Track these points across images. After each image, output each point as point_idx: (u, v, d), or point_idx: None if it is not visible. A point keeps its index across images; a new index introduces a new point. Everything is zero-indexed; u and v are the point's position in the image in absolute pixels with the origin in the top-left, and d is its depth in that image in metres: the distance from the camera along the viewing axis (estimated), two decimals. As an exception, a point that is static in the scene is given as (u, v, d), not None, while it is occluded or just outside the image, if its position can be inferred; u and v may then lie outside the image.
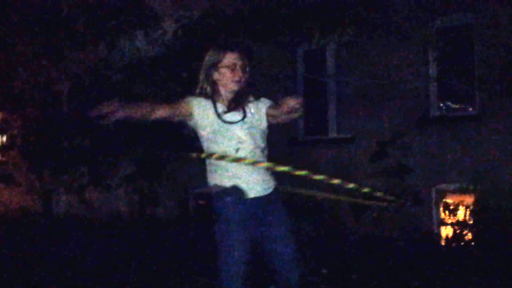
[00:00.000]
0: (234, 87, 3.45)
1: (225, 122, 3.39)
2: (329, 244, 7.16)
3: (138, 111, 3.36)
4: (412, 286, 5.72)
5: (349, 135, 9.18)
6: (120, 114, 3.19)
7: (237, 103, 3.45)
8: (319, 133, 9.55)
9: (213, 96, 3.46)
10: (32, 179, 10.59)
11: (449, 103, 8.66)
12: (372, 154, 7.98)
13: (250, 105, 3.48)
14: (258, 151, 3.44)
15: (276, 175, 3.51)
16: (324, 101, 9.49)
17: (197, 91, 3.49)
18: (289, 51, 9.34)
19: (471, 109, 8.55)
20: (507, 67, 7.81)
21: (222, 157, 3.37)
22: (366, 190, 3.69)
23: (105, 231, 8.75)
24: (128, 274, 6.62)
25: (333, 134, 9.45)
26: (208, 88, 3.46)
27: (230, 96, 3.48)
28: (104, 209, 10.16)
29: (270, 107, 3.48)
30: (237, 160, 3.36)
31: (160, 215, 9.55)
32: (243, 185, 3.38)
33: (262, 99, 3.54)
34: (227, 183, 3.39)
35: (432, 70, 8.55)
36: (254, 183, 3.40)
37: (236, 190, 3.37)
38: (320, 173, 3.56)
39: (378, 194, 3.76)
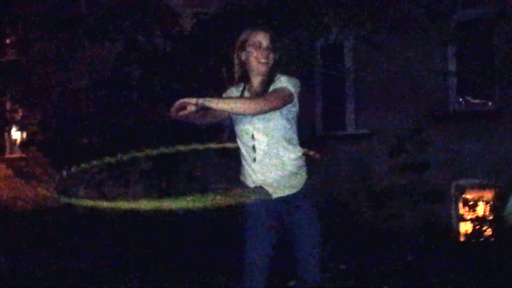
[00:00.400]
0: (260, 67, 3.39)
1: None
2: (347, 240, 7.13)
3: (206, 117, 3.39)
4: (431, 282, 5.68)
5: (367, 131, 9.13)
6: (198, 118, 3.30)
7: (264, 88, 3.37)
8: (337, 128, 9.52)
9: (243, 81, 3.46)
10: (53, 176, 10.67)
11: (469, 98, 8.58)
12: (390, 149, 7.94)
13: (271, 88, 3.39)
14: (278, 146, 3.35)
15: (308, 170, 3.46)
16: (342, 97, 9.45)
17: (235, 77, 3.49)
18: (306, 46, 9.31)
19: (490, 103, 8.46)
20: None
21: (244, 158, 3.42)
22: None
23: (123, 226, 8.79)
24: (144, 268, 6.66)
25: (351, 130, 9.41)
26: (238, 72, 3.46)
27: (257, 80, 3.43)
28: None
29: (273, 89, 3.38)
30: (251, 170, 3.39)
31: (179, 211, 9.56)
32: (268, 188, 3.36)
33: (281, 78, 3.40)
34: (252, 183, 3.39)
35: (451, 65, 8.47)
36: (277, 184, 3.36)
37: (260, 190, 3.37)
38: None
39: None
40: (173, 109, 3.19)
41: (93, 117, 9.76)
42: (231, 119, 3.49)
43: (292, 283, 5.32)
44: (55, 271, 6.76)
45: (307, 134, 9.37)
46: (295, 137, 3.43)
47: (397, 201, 8.05)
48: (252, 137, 3.37)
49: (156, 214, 9.39)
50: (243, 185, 3.44)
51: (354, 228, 7.93)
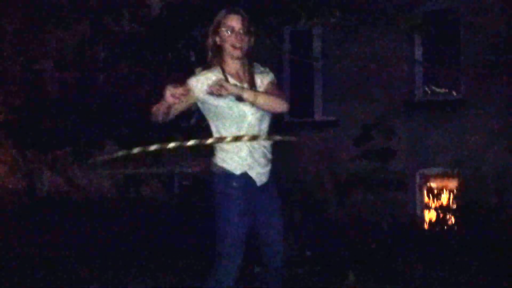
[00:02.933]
0: (233, 51, 3.33)
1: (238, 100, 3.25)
2: (313, 227, 7.18)
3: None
4: (396, 269, 5.76)
5: (334, 118, 9.18)
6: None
7: (250, 74, 3.34)
8: (305, 115, 9.54)
9: (219, 64, 3.36)
10: (15, 158, 10.50)
11: (434, 87, 8.69)
12: (356, 137, 7.99)
13: (257, 77, 3.39)
14: (263, 136, 3.36)
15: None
16: (310, 83, 9.47)
17: (208, 59, 3.41)
18: (275, 33, 9.29)
19: (456, 93, 8.58)
20: (492, 52, 7.84)
21: (236, 139, 3.26)
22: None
23: (89, 210, 8.71)
24: (110, 253, 6.61)
25: (318, 117, 9.44)
26: (213, 55, 3.37)
27: (235, 66, 3.38)
28: (88, 189, 10.10)
29: (271, 82, 3.41)
30: (253, 138, 3.27)
31: (145, 196, 9.51)
32: (252, 174, 3.33)
33: (267, 70, 3.44)
34: (237, 169, 3.32)
35: (418, 54, 8.56)
36: (261, 171, 3.36)
37: (244, 179, 3.32)
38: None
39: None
40: (179, 92, 3.06)
41: (58, 100, 9.60)
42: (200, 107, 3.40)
43: (257, 269, 5.35)
44: (14, 254, 6.67)
45: (274, 120, 9.37)
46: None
47: (362, 189, 8.12)
48: (247, 124, 3.32)
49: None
50: (221, 171, 3.35)
51: (319, 215, 7.98)
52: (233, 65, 3.39)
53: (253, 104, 3.25)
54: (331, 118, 9.23)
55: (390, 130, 7.97)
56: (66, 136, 9.35)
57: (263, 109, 3.32)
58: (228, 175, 3.32)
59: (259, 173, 3.36)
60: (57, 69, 9.93)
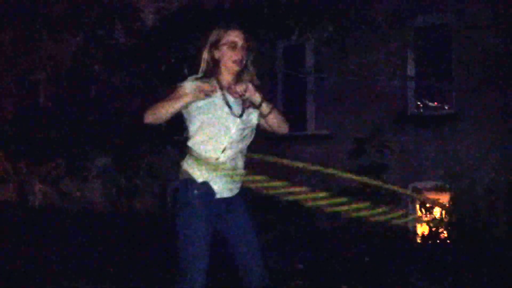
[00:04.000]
0: (234, 67, 3.37)
1: (230, 109, 3.28)
2: (305, 240, 7.18)
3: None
4: (388, 282, 5.76)
5: (327, 132, 9.21)
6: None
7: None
8: (298, 129, 9.56)
9: (217, 76, 3.39)
10: (7, 169, 10.47)
11: (427, 102, 8.73)
12: (350, 151, 8.01)
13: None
14: (240, 156, 3.39)
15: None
16: (303, 97, 9.51)
17: (200, 71, 3.42)
18: (268, 47, 9.34)
19: (448, 107, 8.63)
20: (483, 66, 7.90)
21: (203, 161, 3.30)
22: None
23: (81, 222, 8.67)
24: (102, 265, 6.58)
25: (311, 131, 9.47)
26: (211, 67, 3.39)
27: (228, 79, 3.39)
28: (80, 201, 10.08)
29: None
30: (216, 169, 3.29)
31: (137, 208, 9.50)
32: (214, 186, 3.34)
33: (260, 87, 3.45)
34: (200, 177, 3.34)
35: (410, 69, 8.61)
36: (224, 187, 3.36)
37: (206, 187, 3.33)
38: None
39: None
40: (209, 89, 3.18)
41: (51, 111, 9.60)
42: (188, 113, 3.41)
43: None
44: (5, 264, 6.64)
45: (266, 134, 9.40)
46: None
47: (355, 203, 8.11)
48: (228, 138, 3.33)
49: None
50: (185, 176, 3.36)
51: (312, 228, 7.98)
52: (227, 78, 3.41)
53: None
54: (324, 132, 9.26)
55: (383, 144, 8.00)
56: (58, 148, 9.34)
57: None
58: (190, 182, 3.33)
59: (224, 188, 3.36)
60: (50, 80, 9.94)
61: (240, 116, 3.34)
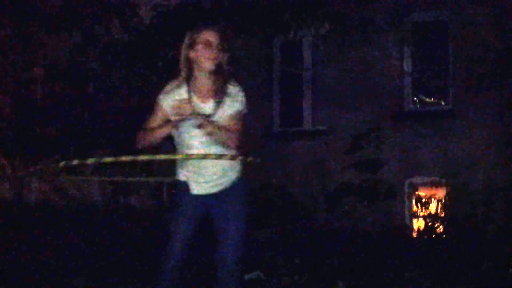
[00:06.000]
0: (209, 65, 3.38)
1: (192, 111, 3.34)
2: (302, 237, 7.19)
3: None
4: (384, 277, 5.77)
5: (324, 128, 9.22)
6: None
7: (215, 89, 3.40)
8: (294, 125, 9.58)
9: (188, 80, 3.43)
10: (4, 166, 10.46)
11: (423, 98, 8.75)
12: (347, 147, 8.02)
13: (227, 98, 3.43)
14: (215, 150, 3.43)
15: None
16: (300, 93, 9.52)
17: (180, 74, 3.47)
18: (265, 43, 9.34)
19: (444, 104, 8.64)
20: (480, 63, 7.92)
21: (187, 157, 3.43)
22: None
23: (77, 219, 8.67)
24: (98, 262, 6.59)
25: (308, 126, 9.48)
26: (185, 70, 3.42)
27: (206, 79, 3.42)
28: (77, 197, 10.08)
29: (236, 112, 3.45)
30: (204, 157, 3.38)
31: (134, 204, 9.51)
32: (191, 183, 3.46)
33: (240, 94, 3.47)
34: (182, 177, 3.51)
35: (407, 65, 8.63)
36: (202, 182, 3.45)
37: (183, 185, 3.49)
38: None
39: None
40: (184, 113, 3.30)
41: (48, 108, 9.59)
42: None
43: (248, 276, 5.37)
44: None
45: (264, 130, 9.41)
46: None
47: (352, 198, 8.14)
48: (195, 150, 3.43)
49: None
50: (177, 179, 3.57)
51: (309, 223, 8.00)
52: (203, 80, 3.44)
53: (207, 135, 3.38)
54: (321, 127, 9.27)
55: (380, 140, 8.02)
56: (55, 144, 9.33)
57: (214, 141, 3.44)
58: (177, 184, 3.54)
59: (202, 186, 3.46)
60: (47, 77, 9.92)
61: (209, 115, 3.38)
